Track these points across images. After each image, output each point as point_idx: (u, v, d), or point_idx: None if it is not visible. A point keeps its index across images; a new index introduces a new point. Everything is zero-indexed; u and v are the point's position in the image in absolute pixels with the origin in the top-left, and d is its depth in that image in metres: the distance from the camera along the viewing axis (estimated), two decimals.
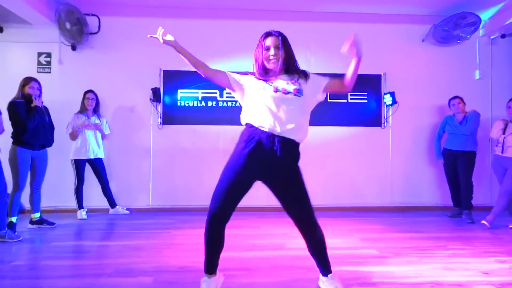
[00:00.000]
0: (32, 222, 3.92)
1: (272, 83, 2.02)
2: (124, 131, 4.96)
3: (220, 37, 5.03)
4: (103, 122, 4.69)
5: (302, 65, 5.11)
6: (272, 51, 2.00)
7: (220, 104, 5.00)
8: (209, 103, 5.02)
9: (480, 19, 4.77)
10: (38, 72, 4.86)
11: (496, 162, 4.15)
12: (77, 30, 4.68)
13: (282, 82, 2.02)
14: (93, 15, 4.88)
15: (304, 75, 2.09)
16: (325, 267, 2.13)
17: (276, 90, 1.98)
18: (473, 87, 5.17)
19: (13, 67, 4.82)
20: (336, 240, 3.39)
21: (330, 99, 5.14)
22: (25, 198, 3.88)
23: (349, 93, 5.14)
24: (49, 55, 4.92)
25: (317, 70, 4.99)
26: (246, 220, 4.23)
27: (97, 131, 4.58)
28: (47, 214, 4.41)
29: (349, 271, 2.55)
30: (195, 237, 3.49)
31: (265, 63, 2.04)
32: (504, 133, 4.06)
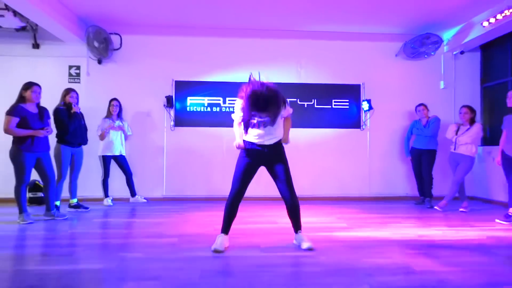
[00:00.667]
0: (70, 206, 4.79)
1: (255, 119, 2.86)
2: (142, 133, 5.84)
3: (220, 52, 5.91)
4: (125, 125, 5.57)
5: (293, 77, 6.04)
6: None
7: (223, 109, 5.88)
8: (214, 109, 5.91)
9: (441, 39, 5.69)
10: (69, 82, 5.74)
11: (450, 158, 5.05)
12: (103, 47, 5.57)
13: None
14: (116, 33, 5.77)
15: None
16: (296, 226, 3.06)
17: (258, 126, 2.88)
18: (438, 96, 6.08)
19: (48, 78, 5.67)
20: (317, 219, 4.28)
21: (316, 105, 6.04)
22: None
23: (333, 100, 6.05)
24: (78, 67, 5.81)
25: (307, 81, 5.96)
26: (245, 206, 5.10)
27: (121, 132, 5.45)
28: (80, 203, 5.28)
29: (321, 235, 3.43)
30: (205, 217, 4.37)
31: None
32: (456, 134, 4.95)
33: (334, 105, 6.07)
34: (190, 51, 5.92)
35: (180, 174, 5.86)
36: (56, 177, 4.42)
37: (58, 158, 4.52)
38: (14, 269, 2.51)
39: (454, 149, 4.93)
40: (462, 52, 5.99)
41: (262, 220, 4.23)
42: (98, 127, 5.37)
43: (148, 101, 5.85)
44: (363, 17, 5.40)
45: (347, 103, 6.08)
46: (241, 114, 2.89)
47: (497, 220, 4.16)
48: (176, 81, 5.87)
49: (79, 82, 5.78)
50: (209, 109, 5.91)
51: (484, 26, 5.10)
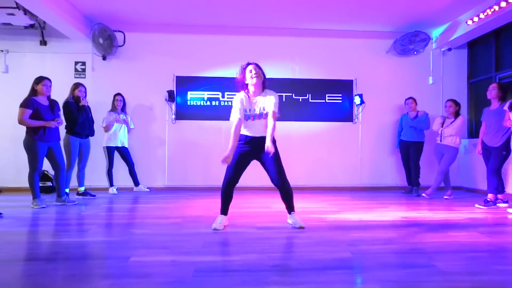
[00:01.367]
0: (78, 194, 5.10)
1: (250, 110, 3.17)
2: (145, 126, 6.14)
3: (219, 49, 6.20)
4: (129, 119, 5.86)
5: (288, 73, 6.35)
6: (253, 72, 3.14)
7: (222, 103, 6.18)
8: (213, 103, 6.20)
9: (429, 37, 6.00)
10: (75, 77, 6.02)
11: (436, 149, 5.36)
12: (108, 44, 5.85)
13: (258, 105, 3.17)
14: (119, 31, 6.05)
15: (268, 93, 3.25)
16: (290, 208, 3.35)
17: (253, 118, 3.16)
18: (427, 91, 6.40)
19: (55, 74, 5.91)
20: (310, 205, 4.60)
21: (311, 99, 6.34)
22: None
23: (326, 95, 6.36)
24: (83, 63, 6.09)
25: (301, 77, 6.28)
26: (240, 195, 5.43)
27: (124, 125, 5.74)
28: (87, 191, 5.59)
29: (313, 217, 3.74)
30: (205, 203, 4.68)
31: (249, 81, 3.15)
32: (442, 126, 5.27)
33: (328, 99, 6.37)
34: (191, 48, 6.21)
35: (181, 165, 6.15)
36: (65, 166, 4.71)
37: (68, 148, 4.81)
38: (31, 241, 2.82)
39: (440, 140, 5.25)
40: (449, 49, 6.31)
41: (257, 205, 4.54)
42: (104, 119, 5.66)
43: (150, 95, 6.14)
44: (355, 15, 5.70)
45: (340, 98, 6.38)
46: (240, 107, 3.13)
47: (476, 205, 4.49)
48: (177, 77, 6.16)
49: (84, 78, 6.06)
50: (208, 103, 6.20)
51: (468, 24, 5.41)
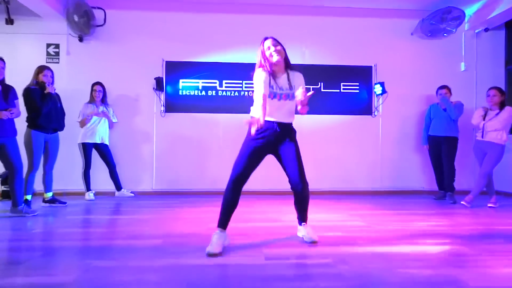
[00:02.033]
0: (45, 201, 4.20)
1: (277, 87, 2.52)
2: (129, 119, 5.24)
3: (217, 30, 5.30)
4: (110, 111, 4.97)
5: (297, 58, 5.44)
6: (273, 48, 2.51)
7: (220, 93, 5.28)
8: (209, 92, 5.31)
9: (464, 14, 5.07)
10: (47, 62, 5.13)
11: (476, 146, 4.47)
12: (84, 22, 4.94)
13: (283, 85, 2.55)
14: (99, 8, 5.14)
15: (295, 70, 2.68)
16: (302, 217, 2.74)
17: (279, 98, 2.52)
18: (458, 79, 5.49)
19: (23, 58, 5.08)
20: (327, 215, 3.71)
21: (323, 89, 5.44)
22: (36, 181, 4.15)
23: (341, 83, 5.45)
24: (57, 46, 5.19)
25: (312, 63, 5.35)
26: (242, 201, 4.54)
27: (105, 119, 4.85)
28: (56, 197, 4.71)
29: (337, 235, 2.85)
30: (197, 213, 3.79)
31: (270, 59, 2.51)
32: (484, 119, 4.37)
33: (343, 89, 5.47)
34: (183, 28, 5.31)
35: (171, 166, 5.26)
36: (25, 168, 3.83)
37: (29, 145, 3.92)
38: None
39: (482, 136, 4.35)
40: (486, 30, 5.38)
41: (263, 217, 3.65)
42: (80, 112, 4.78)
43: (136, 83, 5.24)
44: None
45: (357, 87, 5.48)
46: (266, 81, 2.45)
47: None
48: (167, 62, 5.26)
49: (58, 62, 5.17)
50: (204, 93, 5.30)
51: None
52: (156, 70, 5.23)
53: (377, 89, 5.29)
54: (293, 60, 5.30)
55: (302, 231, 2.72)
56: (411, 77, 5.50)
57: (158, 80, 5.09)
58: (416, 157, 5.49)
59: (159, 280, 1.93)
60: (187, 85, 5.30)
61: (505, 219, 3.62)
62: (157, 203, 4.47)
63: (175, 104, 5.28)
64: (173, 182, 5.26)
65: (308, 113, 5.23)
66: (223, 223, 2.50)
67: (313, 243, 2.61)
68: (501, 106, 4.31)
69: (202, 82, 5.31)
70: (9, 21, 5.07)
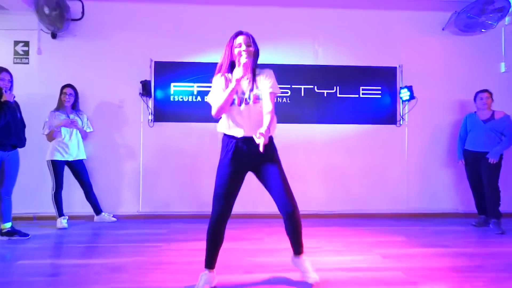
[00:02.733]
0: (1, 233, 3.42)
1: (239, 92, 2.19)
2: (111, 129, 4.46)
3: (215, 25, 4.50)
4: (84, 119, 4.19)
5: (308, 58, 4.64)
6: (244, 47, 2.18)
7: None
8: (206, 98, 4.51)
9: (509, 4, 4.26)
10: (14, 63, 4.36)
11: None
12: (57, 15, 4.16)
13: (247, 87, 2.21)
14: None
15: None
16: (297, 248, 2.31)
17: (247, 102, 2.19)
18: (498, 81, 4.67)
19: None
20: (356, 258, 2.91)
21: (339, 94, 4.65)
22: None
23: (360, 87, 4.66)
24: (26, 44, 4.41)
25: (326, 63, 4.56)
26: (247, 230, 3.77)
27: (77, 130, 4.08)
28: (25, 222, 4.01)
29: None
30: (188, 254, 3.01)
31: (238, 57, 2.19)
32: None
33: (362, 93, 4.66)
34: (175, 23, 4.52)
35: (161, 184, 4.47)
36: None
37: None
38: None
39: None
40: None
41: (270, 261, 2.85)
42: (45, 123, 4.00)
43: (119, 88, 4.45)
44: None
45: (379, 91, 4.67)
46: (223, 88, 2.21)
47: None
48: (156, 62, 4.48)
49: (27, 63, 4.40)
50: (199, 98, 4.52)
51: None
52: (143, 72, 4.44)
53: (404, 94, 4.49)
54: (303, 60, 4.60)
55: (299, 265, 2.35)
56: (442, 80, 4.69)
57: (145, 84, 4.30)
58: (448, 173, 4.68)
59: None
60: (180, 90, 4.51)
61: None
62: (141, 234, 3.69)
63: (165, 112, 4.49)
64: (162, 203, 4.47)
65: (321, 122, 4.53)
66: (209, 263, 2.27)
67: (314, 281, 2.25)
68: None
69: (198, 86, 4.52)
70: None
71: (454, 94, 4.67)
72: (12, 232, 3.43)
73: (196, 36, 4.54)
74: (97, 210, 4.22)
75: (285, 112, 4.45)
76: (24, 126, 3.50)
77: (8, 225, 3.44)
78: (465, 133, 4.24)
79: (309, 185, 4.51)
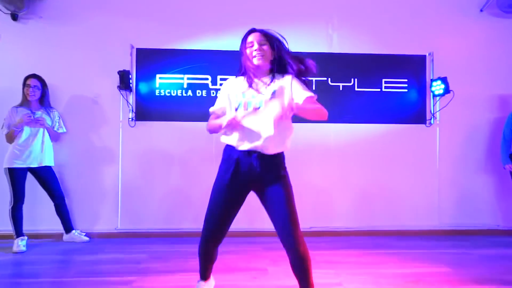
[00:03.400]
0: None
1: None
2: (84, 130, 3.73)
3: (208, 6, 3.79)
4: (55, 117, 3.48)
5: (322, 45, 3.88)
6: (256, 46, 1.89)
7: (213, 93, 3.75)
8: (198, 93, 3.79)
9: None
10: None
11: None
12: None
13: (258, 89, 1.89)
14: None
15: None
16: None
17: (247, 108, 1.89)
18: None
19: None
20: None
21: (358, 87, 3.91)
22: None
23: (383, 80, 3.92)
24: None
25: (342, 51, 3.81)
26: (248, 255, 3.03)
27: (44, 130, 3.36)
28: None
29: None
30: (179, 278, 2.27)
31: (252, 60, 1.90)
32: None
33: (385, 87, 3.94)
34: (161, 3, 3.80)
35: (143, 196, 3.74)
36: None
37: None
38: None
39: None
40: None
41: (260, 284, 2.12)
42: (4, 121, 3.29)
43: (94, 80, 3.73)
44: None
45: (406, 84, 3.95)
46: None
47: None
48: (138, 49, 3.76)
49: None
50: (190, 92, 3.79)
51: None
52: (122, 61, 3.71)
53: (437, 87, 3.75)
54: (315, 48, 3.81)
55: None
56: (480, 71, 3.96)
57: (123, 75, 3.56)
58: (487, 182, 3.95)
59: None
60: (167, 82, 3.78)
61: None
62: (113, 260, 2.94)
63: (149, 108, 3.76)
64: (145, 219, 3.73)
65: (336, 121, 3.79)
66: (203, 275, 2.09)
67: None
68: None
69: (188, 78, 3.80)
70: None
71: (495, 88, 3.96)
72: None
73: (187, 18, 3.81)
74: (68, 227, 3.49)
75: None
76: None
77: None
78: (510, 134, 3.54)
79: (322, 197, 3.78)
